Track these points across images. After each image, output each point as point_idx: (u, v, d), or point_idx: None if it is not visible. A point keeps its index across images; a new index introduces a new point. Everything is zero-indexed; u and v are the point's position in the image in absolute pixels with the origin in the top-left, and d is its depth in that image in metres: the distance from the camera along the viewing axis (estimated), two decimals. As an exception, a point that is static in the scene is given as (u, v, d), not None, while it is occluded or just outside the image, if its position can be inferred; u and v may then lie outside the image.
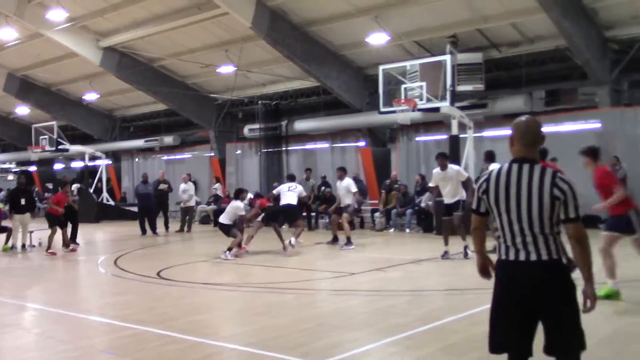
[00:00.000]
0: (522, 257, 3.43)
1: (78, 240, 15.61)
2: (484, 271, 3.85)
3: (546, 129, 12.39)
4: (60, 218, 14.35)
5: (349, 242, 13.49)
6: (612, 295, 7.09)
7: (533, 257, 3.40)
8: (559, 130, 17.24)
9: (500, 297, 3.56)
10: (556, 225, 3.42)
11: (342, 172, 14.29)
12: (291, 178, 14.38)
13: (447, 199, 11.57)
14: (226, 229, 12.52)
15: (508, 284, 3.51)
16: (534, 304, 3.42)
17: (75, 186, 24.99)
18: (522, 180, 3.42)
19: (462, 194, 11.48)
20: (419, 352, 5.48)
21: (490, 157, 12.15)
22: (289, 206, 13.27)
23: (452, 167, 11.60)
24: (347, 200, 13.98)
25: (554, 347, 3.43)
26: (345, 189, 13.94)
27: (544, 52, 17.21)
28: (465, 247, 11.25)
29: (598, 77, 16.37)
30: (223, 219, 12.63)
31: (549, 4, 14.33)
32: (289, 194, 13.34)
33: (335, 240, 14.24)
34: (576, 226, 3.40)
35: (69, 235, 14.64)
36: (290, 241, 12.76)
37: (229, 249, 12.16)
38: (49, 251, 13.79)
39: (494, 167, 11.75)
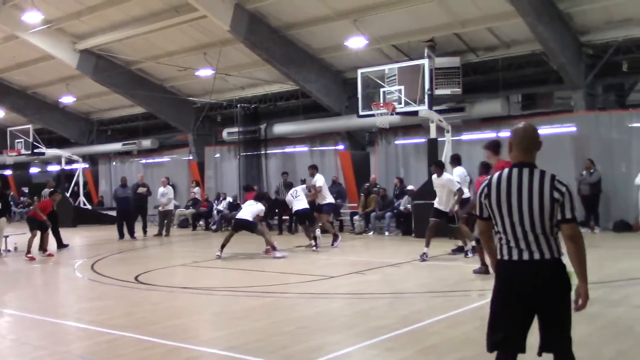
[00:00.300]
0: (525, 256, 3.56)
1: (56, 242, 15.53)
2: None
3: None
4: (42, 222, 14.18)
5: (336, 239, 14.15)
6: None
7: (536, 256, 3.54)
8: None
9: (502, 296, 3.66)
10: (556, 226, 3.57)
11: (313, 169, 14.82)
12: (288, 186, 15.33)
13: (440, 206, 11.72)
14: (251, 227, 12.72)
15: (510, 283, 3.62)
16: (535, 302, 3.54)
17: (45, 191, 24.79)
18: (523, 183, 3.57)
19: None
20: (399, 354, 5.51)
21: (456, 160, 12.46)
22: (304, 210, 14.16)
23: (445, 174, 11.81)
24: (326, 199, 14.41)
25: (552, 343, 3.57)
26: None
27: (521, 56, 17.43)
28: (467, 251, 11.67)
29: (573, 81, 16.61)
30: (246, 216, 12.82)
31: (525, 9, 14.52)
32: (298, 200, 14.12)
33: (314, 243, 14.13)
34: (573, 226, 3.54)
35: (48, 240, 14.48)
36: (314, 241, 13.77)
37: (273, 248, 12.56)
38: (28, 255, 13.61)
39: (457, 171, 12.05)
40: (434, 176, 11.86)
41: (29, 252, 13.69)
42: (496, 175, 3.68)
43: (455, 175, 12.07)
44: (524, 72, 17.77)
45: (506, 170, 3.65)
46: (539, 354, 3.66)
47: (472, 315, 7.04)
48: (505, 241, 3.62)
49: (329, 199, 14.71)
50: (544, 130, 17.50)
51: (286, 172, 20.27)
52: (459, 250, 12.16)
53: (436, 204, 11.78)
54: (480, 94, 18.32)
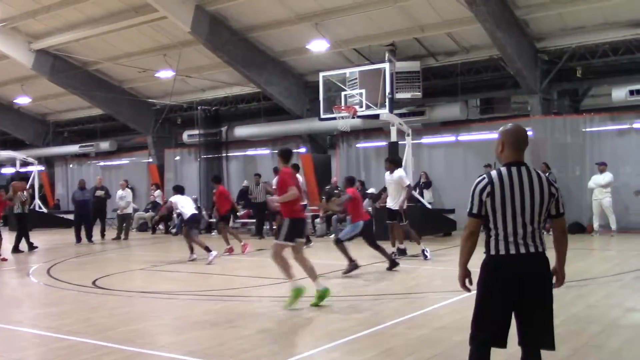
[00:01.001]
0: (522, 250, 3.75)
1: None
2: (465, 283, 3.97)
3: (481, 136, 13.04)
4: None
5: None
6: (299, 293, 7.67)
7: (532, 249, 3.76)
8: (494, 138, 17.71)
9: (493, 291, 3.78)
10: (544, 221, 3.83)
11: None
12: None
13: (390, 203, 11.93)
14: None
15: (506, 278, 3.75)
16: (524, 295, 3.70)
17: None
18: (524, 181, 3.77)
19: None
20: (360, 356, 5.54)
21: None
22: None
23: (398, 171, 11.92)
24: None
25: (536, 337, 3.75)
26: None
27: (479, 61, 17.76)
28: (424, 250, 12.00)
29: (529, 86, 16.98)
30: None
31: (484, 15, 14.79)
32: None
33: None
34: (564, 220, 3.94)
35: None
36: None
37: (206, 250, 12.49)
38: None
39: (398, 172, 12.04)
40: (387, 173, 12.05)
41: None
42: (494, 173, 3.81)
43: (404, 177, 12.29)
44: (482, 76, 18.10)
45: (504, 168, 3.81)
46: (522, 345, 3.80)
47: (432, 317, 7.13)
48: (503, 236, 3.75)
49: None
50: (501, 134, 17.85)
51: (258, 173, 19.97)
52: (402, 252, 12.36)
53: (388, 202, 12.01)
54: (440, 98, 18.58)
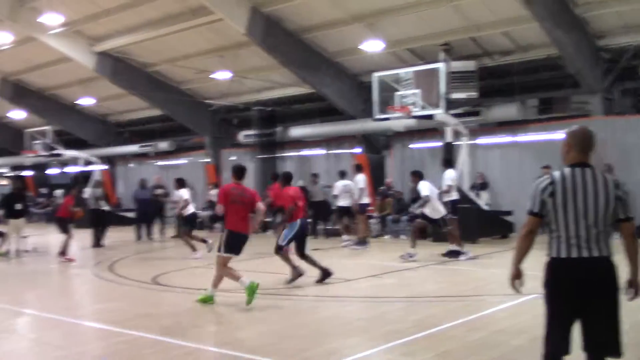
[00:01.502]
0: (585, 253, 3.68)
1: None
2: (515, 284, 3.96)
3: (539, 137, 12.80)
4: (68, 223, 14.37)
5: (361, 242, 14.75)
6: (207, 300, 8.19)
7: (595, 253, 3.68)
8: (552, 139, 17.35)
9: (552, 294, 3.76)
10: (609, 225, 3.76)
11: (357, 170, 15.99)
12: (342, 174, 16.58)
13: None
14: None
15: (563, 280, 3.71)
16: (585, 299, 3.65)
17: (59, 192, 25.25)
18: (587, 182, 3.73)
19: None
20: (415, 359, 5.52)
21: (447, 163, 13.60)
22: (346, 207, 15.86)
23: (420, 183, 12.55)
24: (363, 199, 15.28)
25: (599, 343, 3.69)
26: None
27: (537, 60, 17.35)
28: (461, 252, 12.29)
29: (590, 85, 16.52)
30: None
31: (541, 13, 14.47)
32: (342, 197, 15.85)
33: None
34: (632, 225, 3.82)
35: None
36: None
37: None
38: (66, 257, 13.73)
39: (449, 173, 13.03)
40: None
41: (64, 252, 13.77)
42: (558, 173, 3.78)
43: (446, 178, 13.02)
44: (540, 76, 17.69)
45: (567, 169, 3.79)
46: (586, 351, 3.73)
47: (489, 320, 7.04)
48: (565, 238, 3.71)
49: (366, 199, 15.52)
50: (560, 135, 17.41)
51: (315, 173, 20.04)
52: (454, 254, 12.50)
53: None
54: (496, 98, 18.25)
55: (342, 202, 15.99)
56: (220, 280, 8.30)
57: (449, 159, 14.05)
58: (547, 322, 3.78)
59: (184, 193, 14.44)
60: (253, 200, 8.39)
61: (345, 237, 15.91)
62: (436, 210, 12.39)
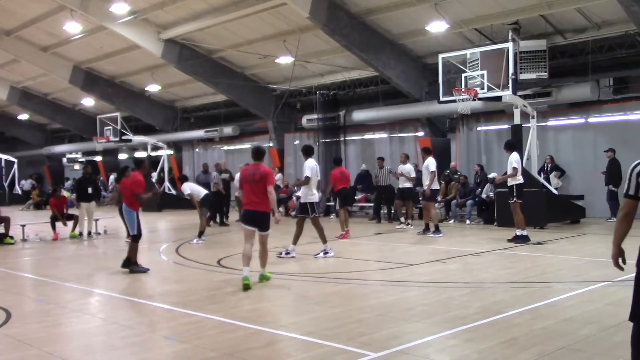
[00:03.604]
0: None
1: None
2: (618, 261, 4.00)
3: (613, 118, 12.32)
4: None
5: (437, 229, 14.28)
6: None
7: None
8: (628, 119, 16.61)
9: None
10: None
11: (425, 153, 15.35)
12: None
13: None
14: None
15: None
16: None
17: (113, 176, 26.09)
18: None
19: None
20: (479, 345, 5.37)
21: (512, 146, 13.51)
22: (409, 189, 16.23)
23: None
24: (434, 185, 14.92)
25: None
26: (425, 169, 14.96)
27: (612, 37, 16.55)
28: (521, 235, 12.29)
29: (670, 63, 15.65)
30: None
31: (618, -13, 13.77)
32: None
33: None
34: None
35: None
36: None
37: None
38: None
39: (514, 156, 12.82)
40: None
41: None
42: None
43: (512, 161, 12.81)
44: (616, 54, 16.87)
45: None
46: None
47: (557, 307, 6.79)
48: None
49: (436, 185, 15.17)
50: (637, 116, 16.64)
51: (382, 157, 19.86)
52: (522, 239, 12.34)
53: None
54: (568, 78, 17.54)
55: (403, 185, 15.93)
56: (265, 257, 8.88)
57: (512, 142, 13.74)
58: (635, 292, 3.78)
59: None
60: (263, 179, 8.57)
61: (402, 219, 16.28)
62: None
